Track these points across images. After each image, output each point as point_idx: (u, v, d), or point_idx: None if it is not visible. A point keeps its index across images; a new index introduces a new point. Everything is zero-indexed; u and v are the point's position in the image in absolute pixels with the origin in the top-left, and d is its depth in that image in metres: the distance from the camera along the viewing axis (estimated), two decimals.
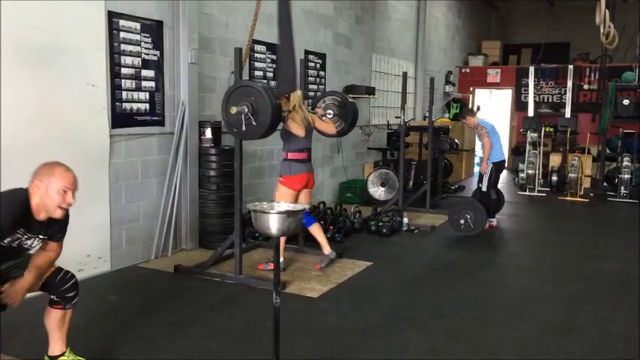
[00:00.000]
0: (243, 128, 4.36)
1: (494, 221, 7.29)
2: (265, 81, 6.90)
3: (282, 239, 5.15)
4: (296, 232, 2.60)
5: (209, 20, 5.94)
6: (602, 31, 6.70)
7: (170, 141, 5.53)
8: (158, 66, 5.34)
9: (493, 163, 6.96)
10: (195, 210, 5.75)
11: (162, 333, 3.72)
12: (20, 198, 2.65)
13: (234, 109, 4.30)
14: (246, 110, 4.33)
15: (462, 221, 6.55)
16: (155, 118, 5.36)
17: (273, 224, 2.40)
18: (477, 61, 14.58)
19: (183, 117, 5.54)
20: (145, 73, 5.20)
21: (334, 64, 8.46)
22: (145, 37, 5.16)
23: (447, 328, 3.92)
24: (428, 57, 12.02)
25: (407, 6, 11.02)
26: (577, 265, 5.59)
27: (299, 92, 4.92)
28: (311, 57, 7.82)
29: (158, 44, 5.31)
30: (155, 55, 5.30)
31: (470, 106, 14.17)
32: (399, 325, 3.97)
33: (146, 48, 5.19)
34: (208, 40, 5.96)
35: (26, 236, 2.75)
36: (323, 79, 8.12)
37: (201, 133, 5.74)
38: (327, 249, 5.27)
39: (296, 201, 4.99)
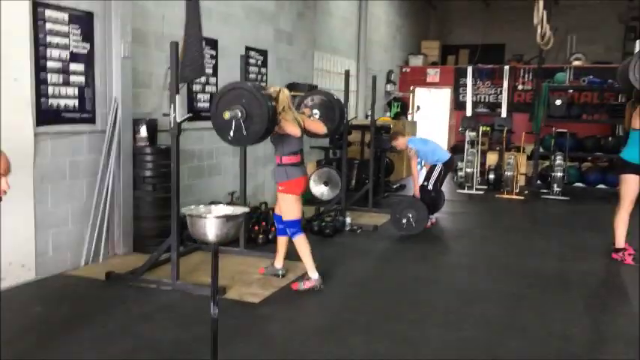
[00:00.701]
0: (239, 133, 4.06)
1: (433, 218, 7.36)
2: (204, 77, 6.67)
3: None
4: (235, 237, 2.44)
5: (144, 12, 5.65)
6: (539, 31, 6.83)
7: (102, 140, 5.22)
8: (88, 60, 5.03)
9: (443, 163, 7.00)
10: (129, 212, 5.46)
11: (91, 347, 3.47)
12: None
13: (227, 114, 4.01)
14: (240, 115, 4.05)
15: (404, 220, 6.54)
16: (85, 115, 5.05)
17: (211, 230, 2.23)
18: (417, 61, 14.75)
19: (116, 114, 5.24)
20: (73, 66, 4.88)
21: (276, 61, 8.29)
22: (73, 28, 4.83)
23: (391, 331, 3.86)
24: (369, 55, 12.03)
25: (348, 3, 10.97)
26: (515, 263, 5.67)
27: (286, 91, 4.60)
28: (252, 53, 7.63)
29: (88, 36, 4.99)
30: (85, 47, 4.98)
31: (411, 105, 14.35)
32: (343, 329, 3.87)
33: (75, 40, 4.86)
34: (143, 34, 5.67)
35: None
36: (265, 77, 7.94)
37: (136, 132, 5.45)
38: (280, 263, 4.98)
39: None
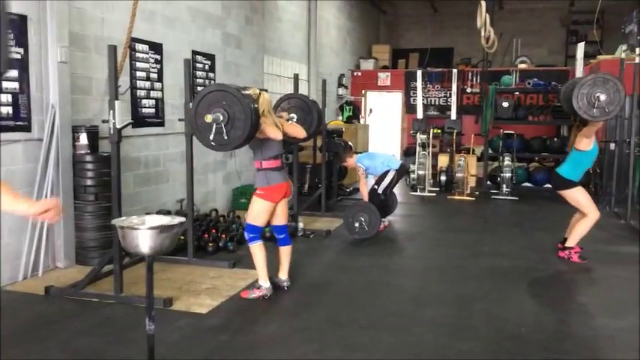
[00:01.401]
0: (220, 136, 3.90)
1: (386, 221, 7.36)
2: (150, 83, 6.48)
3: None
4: (169, 249, 2.31)
5: (81, 15, 5.44)
6: (482, 34, 6.94)
7: (39, 148, 4.98)
8: (22, 65, 4.79)
9: (396, 170, 7.06)
10: (70, 223, 5.23)
11: None
12: None
13: (209, 117, 3.84)
14: (221, 118, 3.89)
15: (357, 224, 6.51)
16: (20, 122, 4.80)
17: (144, 242, 2.11)
18: (368, 65, 14.83)
19: (54, 121, 5.02)
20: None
21: (224, 65, 8.15)
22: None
23: (343, 337, 3.79)
24: (320, 59, 12.01)
25: (297, 7, 10.92)
26: (467, 263, 5.71)
27: (267, 95, 4.43)
28: (199, 58, 7.47)
29: (21, 41, 4.76)
30: (18, 52, 4.74)
31: (363, 108, 14.41)
32: (294, 337, 3.78)
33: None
34: (82, 38, 5.45)
35: None
36: (212, 81, 7.78)
37: (75, 139, 5.23)
38: (285, 274, 4.77)
39: (274, 214, 4.59)
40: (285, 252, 4.74)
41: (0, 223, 4.64)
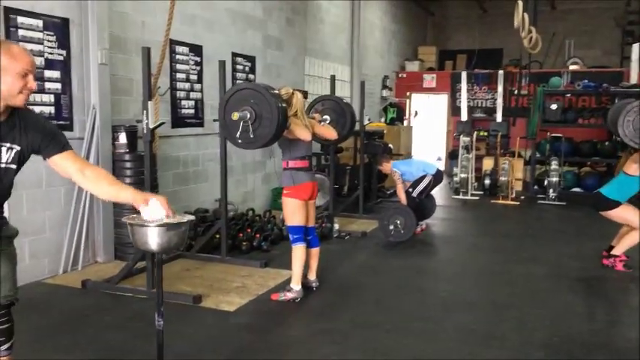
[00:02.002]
0: (246, 135, 3.94)
1: (423, 224, 7.28)
2: (189, 84, 6.62)
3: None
4: (179, 246, 2.35)
5: (122, 19, 5.60)
6: (522, 34, 6.75)
7: (80, 147, 5.15)
8: (65, 66, 4.98)
9: (432, 175, 6.97)
10: (109, 220, 5.40)
11: (54, 357, 3.38)
12: None
13: (236, 115, 3.89)
14: (249, 116, 3.93)
15: (392, 227, 6.45)
16: (62, 122, 4.99)
17: (152, 239, 2.15)
18: (413, 66, 14.67)
19: (94, 121, 5.19)
20: (49, 73, 4.83)
21: (264, 67, 8.24)
22: (48, 35, 4.79)
23: (366, 341, 3.75)
24: (364, 61, 11.97)
25: (340, 8, 10.92)
26: (504, 269, 5.56)
27: (300, 95, 4.43)
28: (239, 59, 7.57)
29: (64, 43, 4.95)
30: (61, 54, 4.93)
31: (407, 110, 14.28)
32: (317, 339, 3.78)
33: (50, 47, 4.82)
34: (123, 40, 5.62)
35: None
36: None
37: (115, 138, 5.39)
38: (313, 275, 4.77)
39: (307, 212, 4.57)
40: (313, 253, 4.73)
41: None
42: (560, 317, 4.24)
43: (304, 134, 4.36)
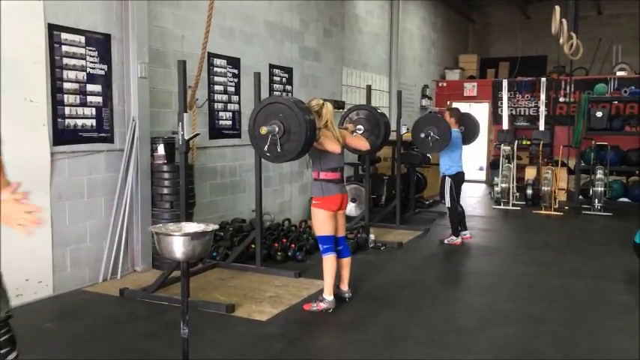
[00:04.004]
0: (274, 148, 3.99)
1: (467, 234, 7.16)
2: (227, 96, 6.74)
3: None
4: (202, 256, 2.39)
5: (162, 33, 5.76)
6: (560, 40, 6.60)
7: (120, 158, 5.32)
8: (106, 80, 5.15)
9: (449, 176, 6.89)
10: (147, 230, 5.51)
11: None
12: None
13: (264, 129, 3.95)
14: (277, 130, 3.98)
15: (426, 136, 6.70)
16: (103, 134, 5.16)
17: (178, 248, 2.20)
18: (453, 75, 14.51)
19: (134, 133, 5.33)
20: (90, 87, 5.00)
21: (302, 78, 8.31)
22: (90, 50, 4.96)
23: (396, 353, 3.72)
24: (403, 70, 11.92)
25: (378, 18, 10.92)
26: (543, 282, 5.42)
27: (330, 107, 4.43)
28: (276, 71, 7.66)
29: (105, 58, 5.12)
30: (102, 69, 5.10)
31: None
32: (347, 350, 3.77)
33: (92, 62, 4.99)
34: (162, 54, 5.78)
35: None
36: (290, 94, 7.96)
37: (154, 150, 5.53)
38: (345, 286, 4.76)
39: (336, 222, 4.59)
40: (344, 263, 4.73)
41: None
42: (600, 333, 4.10)
43: (333, 147, 4.36)
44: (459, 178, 7.00)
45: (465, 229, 7.19)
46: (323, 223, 4.49)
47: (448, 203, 6.84)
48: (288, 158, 4.12)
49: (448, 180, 6.88)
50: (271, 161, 4.34)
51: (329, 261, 4.50)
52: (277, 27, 7.66)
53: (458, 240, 7.03)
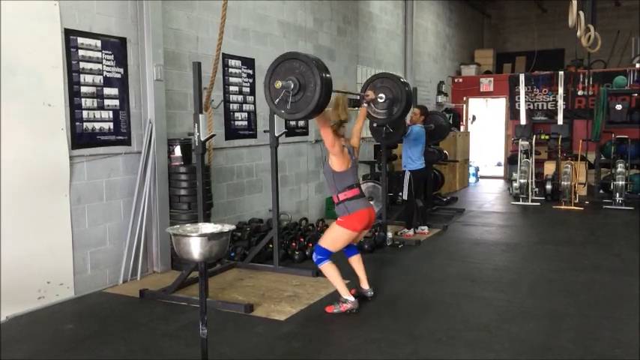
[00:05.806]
0: (284, 103, 3.87)
1: (425, 229, 7.28)
2: (242, 96, 6.76)
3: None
4: (219, 256, 2.40)
5: (177, 35, 5.80)
6: (577, 33, 6.51)
7: (137, 160, 5.37)
8: (122, 83, 5.19)
9: (411, 171, 6.98)
10: (165, 231, 5.56)
11: None
12: None
13: (279, 83, 3.84)
14: (292, 85, 3.86)
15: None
16: (120, 137, 5.20)
17: (195, 248, 2.21)
18: (469, 71, 14.41)
19: (151, 135, 5.38)
20: (107, 91, 5.05)
21: None
22: (106, 54, 5.01)
23: (415, 351, 3.70)
24: (418, 67, 11.86)
25: (392, 15, 10.88)
26: (564, 278, 5.36)
27: (345, 99, 4.34)
28: None
29: (121, 61, 5.16)
30: (118, 72, 5.15)
31: (464, 116, 14.03)
32: (365, 348, 3.75)
33: (108, 65, 5.04)
34: (177, 56, 5.81)
35: None
36: None
37: (171, 152, 5.57)
38: (365, 285, 4.72)
39: (353, 240, 4.53)
40: (355, 261, 4.71)
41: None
42: (622, 329, 4.04)
43: (341, 165, 4.32)
44: (417, 176, 7.07)
45: (424, 225, 7.31)
46: (337, 240, 4.45)
47: (405, 196, 7.00)
48: (303, 115, 3.93)
49: (408, 174, 7.00)
50: (286, 118, 4.21)
51: (327, 268, 4.44)
52: (291, 26, 7.66)
53: (410, 232, 7.17)
